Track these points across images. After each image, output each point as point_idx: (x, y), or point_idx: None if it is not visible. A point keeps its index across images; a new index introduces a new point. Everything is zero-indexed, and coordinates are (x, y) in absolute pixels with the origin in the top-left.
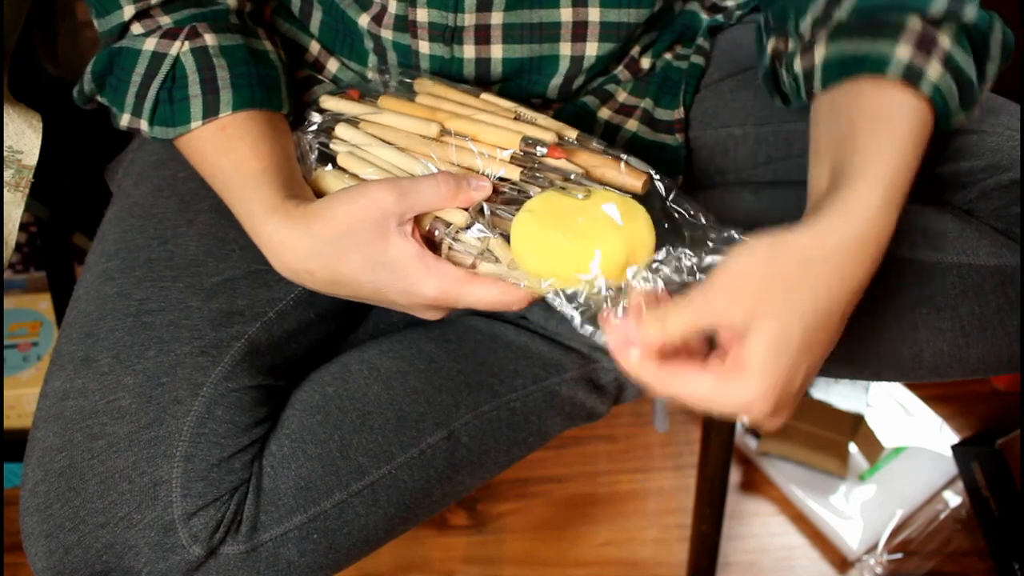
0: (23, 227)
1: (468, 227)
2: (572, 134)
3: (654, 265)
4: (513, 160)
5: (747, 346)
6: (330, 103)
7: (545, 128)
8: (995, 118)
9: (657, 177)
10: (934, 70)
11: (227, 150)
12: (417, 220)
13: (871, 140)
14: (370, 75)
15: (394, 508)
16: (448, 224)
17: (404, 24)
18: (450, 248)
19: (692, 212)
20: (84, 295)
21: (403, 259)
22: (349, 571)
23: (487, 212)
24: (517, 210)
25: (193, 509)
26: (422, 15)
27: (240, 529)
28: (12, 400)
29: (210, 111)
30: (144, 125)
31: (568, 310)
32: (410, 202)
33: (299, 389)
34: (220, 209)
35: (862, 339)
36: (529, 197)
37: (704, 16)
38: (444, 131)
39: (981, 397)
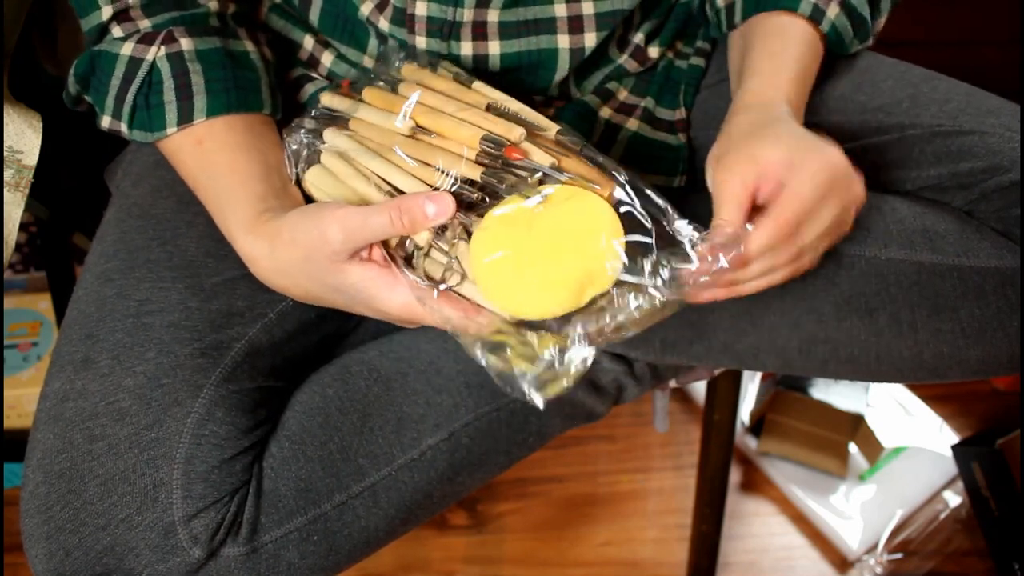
0: (23, 227)
1: (440, 234)
2: (552, 130)
3: (616, 279)
4: (478, 160)
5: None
6: (325, 99)
7: (517, 123)
8: (995, 119)
9: (625, 179)
10: (832, 11)
11: (205, 164)
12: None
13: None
14: (366, 61)
15: (394, 509)
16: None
17: (402, 18)
18: (426, 256)
19: (664, 212)
20: (84, 296)
21: (362, 283)
22: (349, 571)
23: (453, 222)
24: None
25: (193, 511)
26: (421, 8)
27: (240, 531)
28: (12, 400)
29: (184, 118)
30: (124, 128)
31: (520, 379)
32: (359, 239)
33: (299, 391)
34: None
35: (862, 340)
36: (497, 197)
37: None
38: (418, 127)
39: (981, 397)
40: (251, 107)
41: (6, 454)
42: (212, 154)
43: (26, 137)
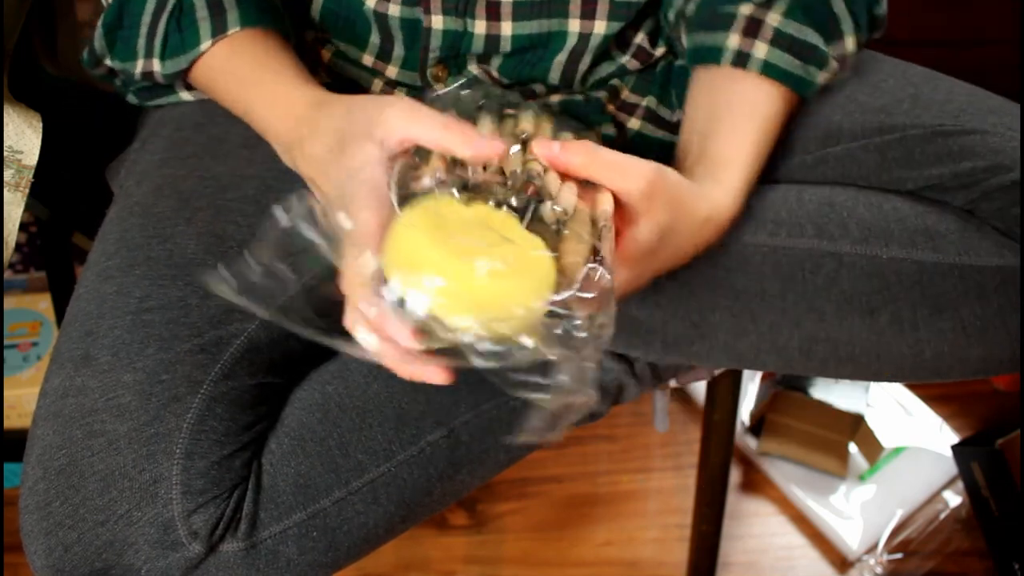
0: (23, 227)
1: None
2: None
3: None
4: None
5: (637, 229)
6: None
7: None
8: (997, 118)
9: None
10: (760, 50)
11: (256, 64)
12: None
13: (733, 128)
14: (365, 59)
15: (394, 506)
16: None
17: None
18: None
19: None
20: (84, 293)
21: (362, 168)
22: (349, 570)
23: None
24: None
25: (193, 507)
26: None
27: (239, 527)
28: (12, 400)
29: (218, 29)
30: (156, 64)
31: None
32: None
33: (299, 387)
34: (219, 206)
35: (863, 339)
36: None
37: None
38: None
39: (981, 397)
40: (279, 26)
41: (6, 454)
42: (261, 56)
43: (26, 137)
